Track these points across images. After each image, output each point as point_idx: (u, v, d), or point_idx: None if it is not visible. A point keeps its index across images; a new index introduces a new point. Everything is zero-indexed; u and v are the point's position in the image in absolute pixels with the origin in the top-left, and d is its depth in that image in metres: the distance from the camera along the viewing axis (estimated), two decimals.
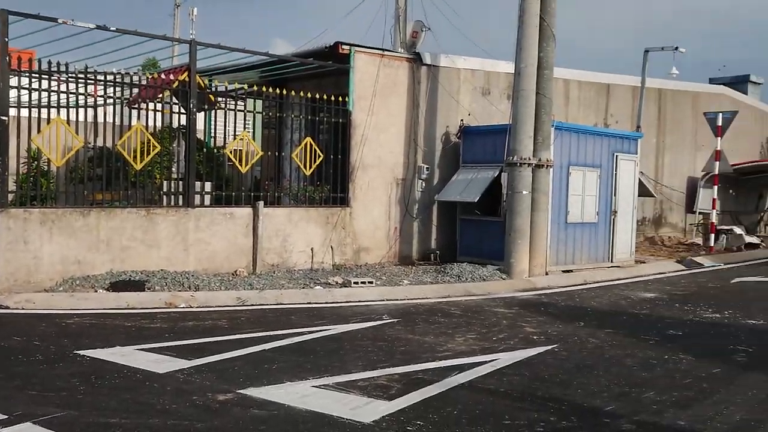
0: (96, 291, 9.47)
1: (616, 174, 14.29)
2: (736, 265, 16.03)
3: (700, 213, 21.51)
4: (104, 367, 6.13)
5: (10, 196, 9.63)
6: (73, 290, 9.43)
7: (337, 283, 10.95)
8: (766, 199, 24.90)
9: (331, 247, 12.80)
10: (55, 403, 5.06)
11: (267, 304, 9.50)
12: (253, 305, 9.42)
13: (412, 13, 14.86)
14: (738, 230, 19.57)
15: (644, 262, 15.31)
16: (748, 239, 19.48)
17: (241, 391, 5.44)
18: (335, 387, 5.58)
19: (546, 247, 12.72)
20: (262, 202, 11.68)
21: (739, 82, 28.03)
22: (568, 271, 13.28)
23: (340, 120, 12.96)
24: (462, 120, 14.56)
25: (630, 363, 6.56)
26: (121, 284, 9.67)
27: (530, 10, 12.18)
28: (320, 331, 7.77)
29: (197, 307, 9.15)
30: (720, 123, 17.99)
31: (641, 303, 10.28)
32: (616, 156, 14.30)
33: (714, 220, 18.17)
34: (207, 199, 11.61)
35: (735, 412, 5.11)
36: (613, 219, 14.32)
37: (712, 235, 18.03)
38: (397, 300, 10.13)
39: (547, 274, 12.67)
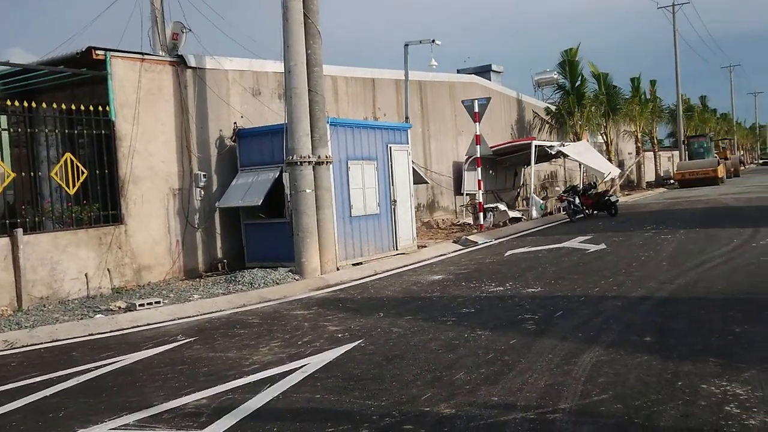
0: None
1: (391, 164, 14.73)
2: (505, 239, 17.31)
3: (467, 194, 23.03)
4: None
5: None
6: None
7: (120, 308, 10.07)
8: (520, 176, 27.33)
9: (108, 270, 11.78)
10: None
11: (41, 343, 8.47)
12: (24, 347, 8.35)
13: (170, 14, 14.15)
14: (502, 207, 21.21)
15: (426, 246, 15.99)
16: (512, 214, 21.21)
17: None
18: (137, 426, 5.03)
19: (334, 242, 12.76)
20: (20, 230, 10.40)
21: (484, 71, 30.53)
22: (358, 264, 13.45)
23: (103, 131, 11.96)
24: (235, 123, 14.16)
25: (435, 347, 6.70)
26: None
27: (293, 8, 12.08)
28: (109, 364, 7.04)
29: None
30: (477, 109, 19.34)
31: (431, 286, 10.66)
32: (390, 147, 14.74)
33: (481, 200, 19.51)
34: None
35: (539, 379, 5.38)
36: (394, 208, 14.76)
37: (481, 214, 19.34)
38: (190, 317, 9.55)
39: (338, 269, 12.72)
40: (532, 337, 6.78)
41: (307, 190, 12.18)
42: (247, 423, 4.89)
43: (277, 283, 11.56)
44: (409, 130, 15.67)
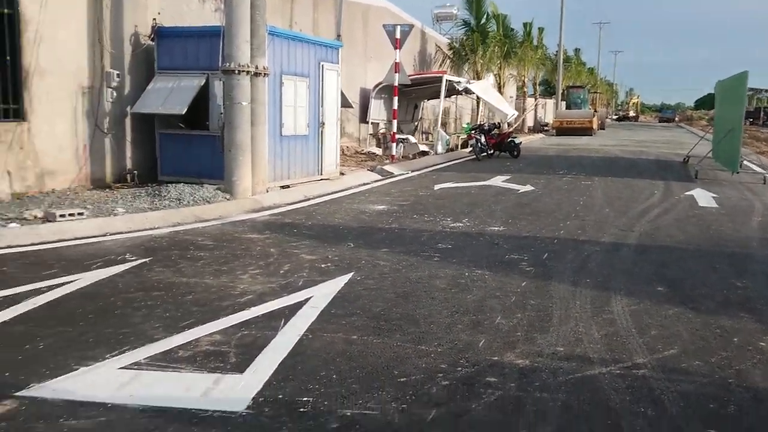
0: None
1: (322, 84, 13.83)
2: (421, 171, 16.99)
3: (372, 123, 22.43)
4: None
5: None
6: None
7: (36, 217, 8.78)
8: (419, 110, 27.02)
9: (9, 173, 10.27)
10: None
11: None
12: None
13: None
14: (413, 139, 20.84)
15: (344, 174, 15.35)
16: (421, 147, 20.89)
17: (22, 394, 3.78)
18: (153, 364, 4.22)
19: (266, 162, 11.84)
20: None
21: None
22: (285, 187, 12.63)
23: (5, 11, 10.19)
24: (154, 19, 12.65)
25: (443, 285, 6.22)
26: None
27: None
28: (60, 285, 5.99)
29: None
30: (398, 35, 18.59)
31: (382, 216, 10.12)
32: (322, 65, 13.80)
33: (395, 130, 18.99)
34: None
35: (588, 328, 5.06)
36: (322, 131, 13.95)
37: (394, 144, 18.85)
38: (122, 233, 8.47)
39: (267, 191, 11.85)
40: (541, 281, 6.46)
41: (243, 103, 11.10)
42: (294, 366, 4.22)
43: (208, 202, 10.56)
44: (340, 50, 14.74)
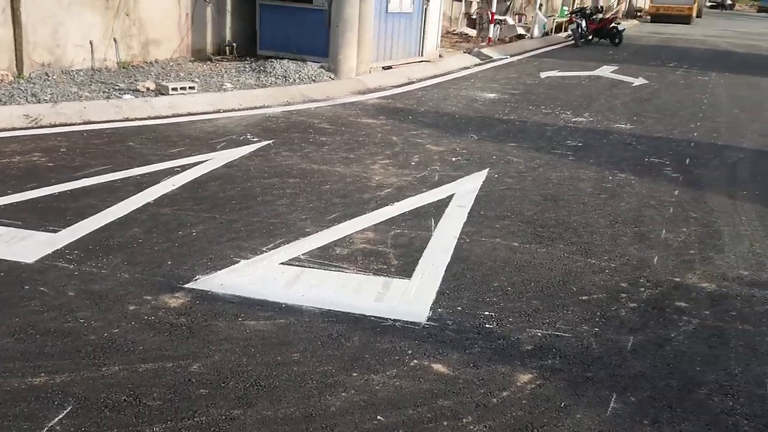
0: None
1: None
2: (521, 57, 16.14)
3: (466, 0, 21.26)
4: None
5: None
6: None
7: (149, 89, 8.59)
8: None
9: (115, 40, 10.03)
10: None
11: (73, 124, 7.08)
12: (53, 125, 6.96)
13: None
14: (510, 20, 19.72)
15: (442, 56, 14.66)
16: (519, 30, 19.80)
17: (191, 287, 3.65)
18: (314, 261, 4.03)
19: (371, 40, 11.31)
20: None
21: None
22: (387, 68, 12.11)
23: None
24: None
25: (588, 189, 5.83)
26: None
27: None
28: (192, 166, 5.83)
29: None
30: None
31: (495, 106, 9.61)
32: None
33: (494, 10, 17.96)
34: None
35: (767, 249, 4.65)
36: (426, 8, 13.19)
37: (492, 26, 17.89)
38: (234, 110, 8.26)
39: (370, 71, 11.38)
40: (694, 190, 5.99)
41: None
42: (462, 274, 3.97)
43: (313, 81, 10.20)
44: None
